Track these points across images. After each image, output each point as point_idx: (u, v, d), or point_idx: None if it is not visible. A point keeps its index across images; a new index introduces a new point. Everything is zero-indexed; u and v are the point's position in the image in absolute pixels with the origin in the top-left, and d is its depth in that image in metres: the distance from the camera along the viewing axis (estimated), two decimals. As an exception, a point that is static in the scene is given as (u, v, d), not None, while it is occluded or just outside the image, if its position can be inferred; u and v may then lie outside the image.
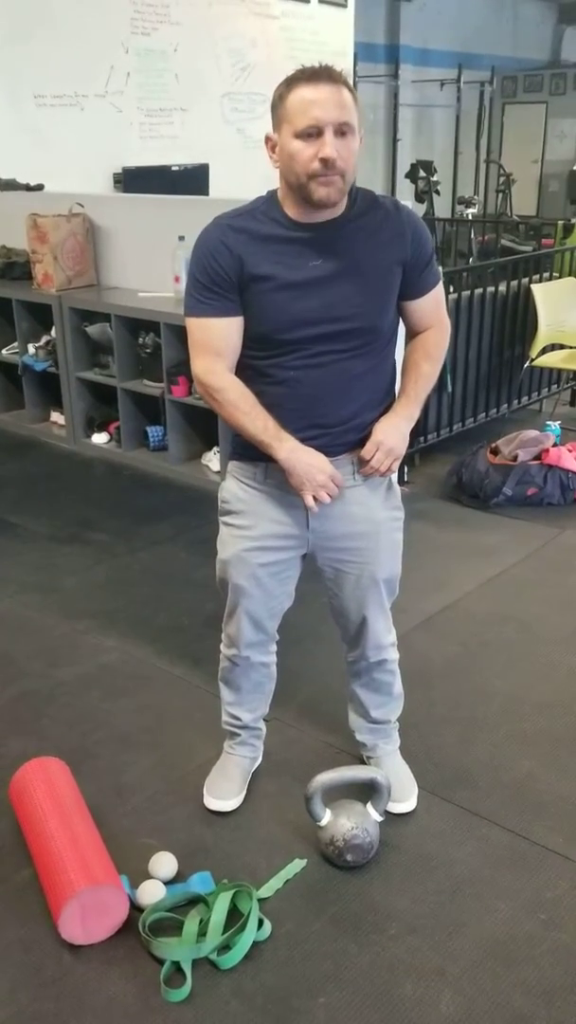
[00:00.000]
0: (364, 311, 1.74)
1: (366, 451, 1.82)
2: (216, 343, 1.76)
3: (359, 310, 1.73)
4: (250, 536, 1.90)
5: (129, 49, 5.57)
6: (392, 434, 1.82)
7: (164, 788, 2.19)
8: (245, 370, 1.79)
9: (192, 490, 4.05)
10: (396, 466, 1.87)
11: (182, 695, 2.57)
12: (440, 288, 1.87)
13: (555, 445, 3.96)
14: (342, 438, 1.81)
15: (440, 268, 1.93)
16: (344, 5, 6.84)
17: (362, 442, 1.83)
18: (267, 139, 1.69)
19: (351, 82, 1.66)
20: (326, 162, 1.59)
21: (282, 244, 1.70)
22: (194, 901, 1.84)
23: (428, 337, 1.88)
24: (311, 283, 1.70)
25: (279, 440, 1.76)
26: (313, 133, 1.59)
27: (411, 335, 1.89)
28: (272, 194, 1.74)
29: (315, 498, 1.78)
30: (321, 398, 1.77)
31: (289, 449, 1.76)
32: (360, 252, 1.72)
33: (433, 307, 1.86)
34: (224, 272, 1.70)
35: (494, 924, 1.81)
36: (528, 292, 4.71)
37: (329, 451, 1.80)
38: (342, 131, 1.60)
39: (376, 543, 1.92)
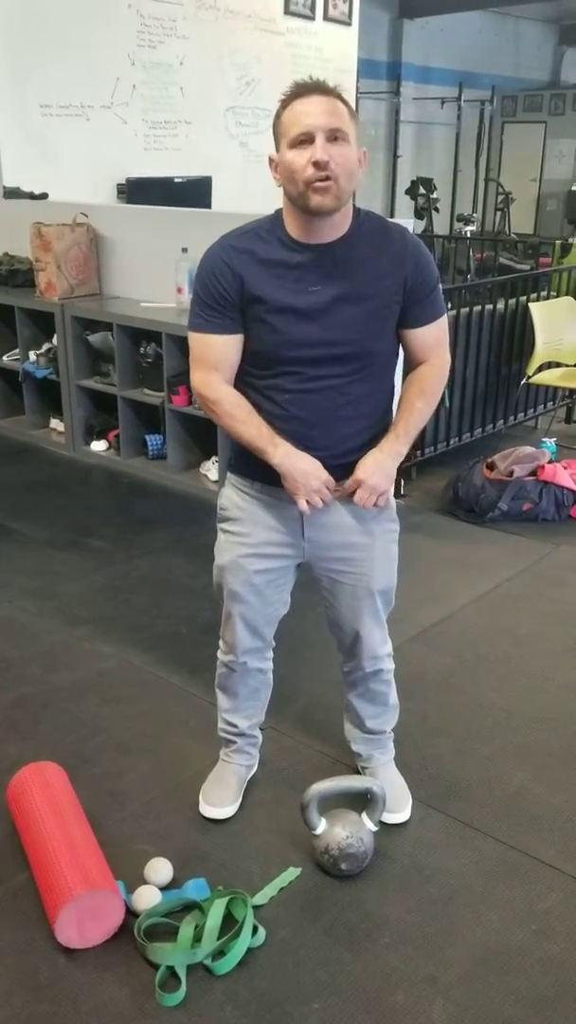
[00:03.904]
0: (361, 336, 1.75)
1: (348, 487, 1.83)
2: (214, 358, 1.79)
3: (356, 335, 1.75)
4: (247, 543, 1.93)
5: (136, 61, 5.62)
6: (375, 473, 1.82)
7: (160, 795, 2.20)
8: (242, 387, 1.82)
9: (190, 499, 4.07)
10: (383, 500, 1.87)
11: (179, 703, 2.58)
12: (443, 323, 1.86)
13: (550, 462, 4.00)
14: (332, 461, 1.82)
15: (445, 305, 1.93)
16: (349, 23, 6.91)
17: (352, 466, 1.83)
18: (270, 160, 1.71)
19: (349, 97, 1.68)
20: (318, 164, 1.60)
21: (283, 268, 1.72)
22: (189, 907, 1.85)
23: (426, 373, 1.86)
24: (310, 308, 1.72)
25: (273, 445, 1.78)
26: (305, 140, 1.62)
27: (409, 367, 1.89)
28: (277, 213, 1.76)
29: (308, 502, 1.81)
30: (314, 420, 1.79)
31: (283, 454, 1.78)
32: (360, 277, 1.73)
33: (432, 341, 1.85)
34: (225, 292, 1.73)
35: (486, 934, 1.82)
36: (526, 310, 4.76)
37: None
38: (334, 137, 1.62)
39: (371, 554, 1.94)
